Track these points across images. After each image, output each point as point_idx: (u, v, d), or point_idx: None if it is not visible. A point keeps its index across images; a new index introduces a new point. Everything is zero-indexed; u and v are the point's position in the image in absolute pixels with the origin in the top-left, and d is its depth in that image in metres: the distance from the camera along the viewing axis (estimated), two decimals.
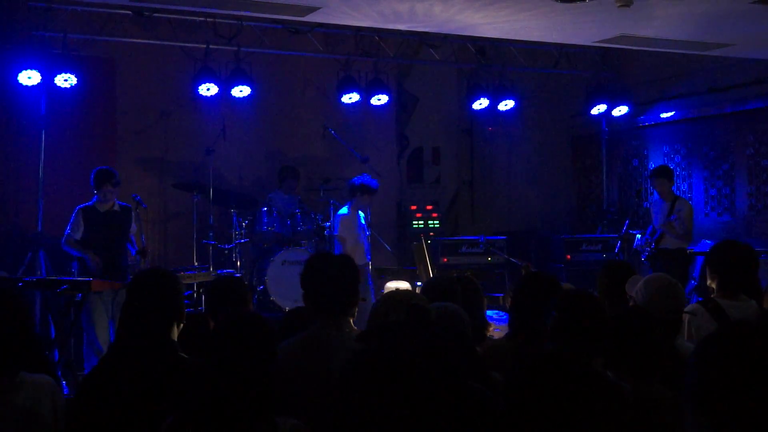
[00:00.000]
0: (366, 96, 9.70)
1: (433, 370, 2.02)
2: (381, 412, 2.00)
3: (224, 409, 2.43)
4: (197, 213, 9.03)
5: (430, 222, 11.10)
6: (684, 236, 8.33)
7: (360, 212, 8.49)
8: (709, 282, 4.23)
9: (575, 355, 2.84)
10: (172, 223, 9.86)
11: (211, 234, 8.91)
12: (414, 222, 11.05)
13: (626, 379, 2.93)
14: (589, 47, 9.85)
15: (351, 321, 3.31)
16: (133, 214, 7.39)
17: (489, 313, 4.92)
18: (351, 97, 9.60)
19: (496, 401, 2.48)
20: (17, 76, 7.91)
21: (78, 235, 7.25)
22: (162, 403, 2.82)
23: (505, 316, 5.38)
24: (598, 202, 11.52)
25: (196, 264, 8.91)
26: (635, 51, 9.67)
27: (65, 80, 8.07)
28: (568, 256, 10.09)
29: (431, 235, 10.31)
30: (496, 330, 4.77)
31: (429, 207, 11.37)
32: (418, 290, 5.99)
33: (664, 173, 8.62)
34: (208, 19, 8.91)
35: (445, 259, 9.61)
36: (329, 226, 8.77)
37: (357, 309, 3.35)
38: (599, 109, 10.63)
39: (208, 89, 8.91)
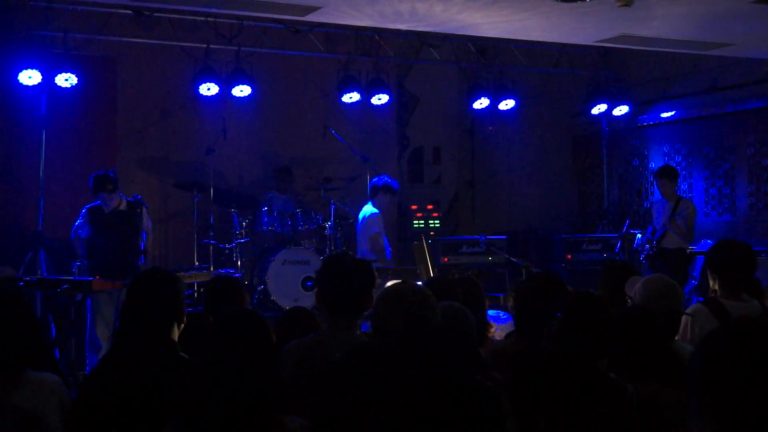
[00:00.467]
0: (366, 96, 9.69)
1: (435, 372, 2.01)
2: (377, 412, 2.00)
3: (224, 406, 2.43)
4: (198, 213, 9.02)
5: (430, 222, 11.08)
6: (687, 236, 8.45)
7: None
8: (711, 284, 4.21)
9: (581, 357, 2.83)
10: (172, 222, 9.85)
11: (211, 234, 8.92)
12: (414, 222, 11.03)
13: (625, 378, 2.93)
14: (590, 47, 9.85)
15: (359, 322, 3.31)
16: (144, 210, 7.37)
17: (490, 312, 4.92)
18: (351, 97, 9.59)
19: (502, 398, 2.47)
20: (18, 75, 7.89)
21: (84, 234, 7.28)
22: (162, 402, 2.82)
23: (505, 316, 5.38)
24: (599, 201, 11.52)
25: (196, 264, 8.90)
26: (636, 51, 9.67)
27: (66, 80, 8.06)
28: (569, 256, 10.10)
29: (432, 235, 10.30)
30: (497, 330, 4.77)
31: (429, 206, 11.35)
32: None
33: (670, 173, 8.67)
34: (208, 19, 8.90)
35: (446, 259, 9.61)
36: (330, 226, 8.80)
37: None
38: (600, 108, 10.63)
39: (208, 89, 8.90)
